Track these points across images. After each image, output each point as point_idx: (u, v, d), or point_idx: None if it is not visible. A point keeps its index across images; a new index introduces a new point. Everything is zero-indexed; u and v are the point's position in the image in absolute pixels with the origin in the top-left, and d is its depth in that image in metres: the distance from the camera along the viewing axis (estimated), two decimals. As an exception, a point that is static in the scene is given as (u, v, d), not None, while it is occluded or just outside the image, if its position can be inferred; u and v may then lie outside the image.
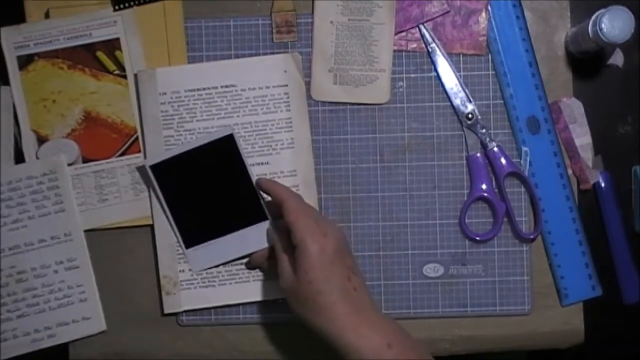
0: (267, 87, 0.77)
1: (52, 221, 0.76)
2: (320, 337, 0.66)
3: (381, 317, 0.66)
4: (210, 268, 0.77)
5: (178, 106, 0.77)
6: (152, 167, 0.73)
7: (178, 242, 0.76)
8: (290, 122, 0.77)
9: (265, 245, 0.75)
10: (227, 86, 0.77)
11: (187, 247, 0.76)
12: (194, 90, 0.77)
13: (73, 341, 0.77)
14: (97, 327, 0.77)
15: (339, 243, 0.67)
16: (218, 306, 0.77)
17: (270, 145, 0.77)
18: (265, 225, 0.75)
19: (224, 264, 0.76)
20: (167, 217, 0.75)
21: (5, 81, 0.76)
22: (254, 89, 0.77)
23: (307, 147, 0.77)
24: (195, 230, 0.75)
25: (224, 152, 0.73)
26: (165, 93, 0.76)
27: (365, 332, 0.63)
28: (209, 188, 0.74)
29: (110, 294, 0.78)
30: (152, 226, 0.77)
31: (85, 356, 0.78)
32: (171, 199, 0.74)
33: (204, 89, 0.77)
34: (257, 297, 0.77)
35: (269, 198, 0.73)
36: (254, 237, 0.75)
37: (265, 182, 0.73)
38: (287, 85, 0.77)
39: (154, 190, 0.74)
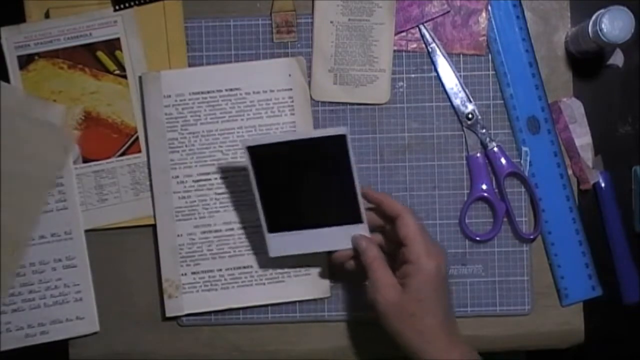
0: (272, 91, 0.77)
1: (53, 218, 0.76)
2: (406, 352, 0.66)
3: (459, 333, 0.68)
4: (285, 257, 0.73)
5: (182, 109, 0.77)
6: (250, 148, 0.68)
7: (260, 225, 0.72)
8: (294, 126, 0.77)
9: (351, 246, 0.72)
10: (231, 89, 0.77)
11: (270, 231, 0.72)
12: (198, 93, 0.77)
13: (68, 339, 0.77)
14: (91, 328, 0.77)
15: (447, 264, 0.67)
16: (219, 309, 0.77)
17: None
18: (356, 228, 0.71)
19: (302, 255, 0.73)
20: (255, 199, 0.71)
21: (6, 81, 0.76)
22: (258, 92, 0.77)
23: None
24: (282, 217, 0.72)
25: (332, 150, 0.68)
26: (169, 96, 0.76)
27: (454, 353, 0.65)
28: (307, 180, 0.70)
29: (110, 294, 0.78)
30: (154, 228, 0.77)
31: (85, 356, 0.78)
32: (263, 182, 0.70)
33: (208, 92, 0.77)
34: (259, 301, 0.77)
35: (369, 205, 0.71)
36: (342, 237, 0.72)
37: (375, 194, 0.70)
38: (291, 89, 0.77)
39: (248, 171, 0.70)
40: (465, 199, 0.77)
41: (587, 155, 0.77)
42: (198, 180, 0.77)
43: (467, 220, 0.77)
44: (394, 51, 0.78)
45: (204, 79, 0.77)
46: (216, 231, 0.77)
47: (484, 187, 0.77)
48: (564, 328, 0.78)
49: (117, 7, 0.77)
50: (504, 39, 0.77)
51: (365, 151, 0.78)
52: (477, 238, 0.77)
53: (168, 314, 0.77)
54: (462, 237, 0.78)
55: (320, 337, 0.78)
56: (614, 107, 0.78)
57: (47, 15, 0.77)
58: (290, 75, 0.77)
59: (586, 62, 0.78)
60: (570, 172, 0.78)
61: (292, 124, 0.77)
